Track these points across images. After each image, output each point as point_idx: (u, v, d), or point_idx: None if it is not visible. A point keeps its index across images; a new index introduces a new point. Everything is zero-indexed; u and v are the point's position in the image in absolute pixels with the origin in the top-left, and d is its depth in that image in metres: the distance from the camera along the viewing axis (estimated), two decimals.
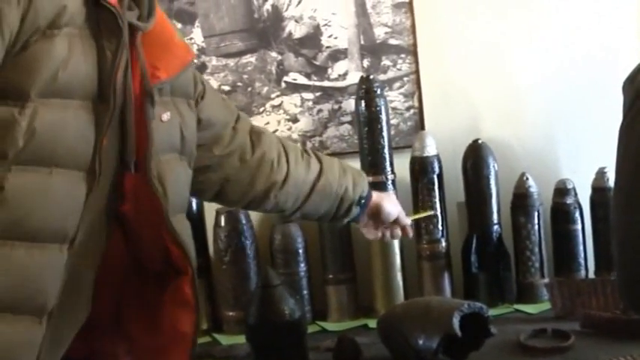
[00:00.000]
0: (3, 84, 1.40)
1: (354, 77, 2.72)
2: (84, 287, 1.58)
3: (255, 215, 2.63)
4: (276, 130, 2.73)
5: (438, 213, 2.63)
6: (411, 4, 2.75)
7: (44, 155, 1.44)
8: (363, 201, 2.16)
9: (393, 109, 2.75)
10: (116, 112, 1.51)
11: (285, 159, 2.04)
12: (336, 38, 2.76)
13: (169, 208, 1.65)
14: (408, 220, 2.29)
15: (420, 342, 2.12)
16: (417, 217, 2.49)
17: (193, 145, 1.78)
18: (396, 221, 2.25)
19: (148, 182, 1.61)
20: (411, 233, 2.32)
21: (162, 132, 1.63)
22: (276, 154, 2.02)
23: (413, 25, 2.76)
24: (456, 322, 2.08)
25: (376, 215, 2.21)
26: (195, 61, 2.59)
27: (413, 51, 2.77)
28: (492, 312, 2.40)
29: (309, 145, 2.75)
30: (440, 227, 2.64)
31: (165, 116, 1.65)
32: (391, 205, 2.23)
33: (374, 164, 2.60)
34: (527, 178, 2.67)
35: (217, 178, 1.97)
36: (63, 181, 1.47)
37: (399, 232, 2.27)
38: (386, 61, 2.77)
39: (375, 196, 2.20)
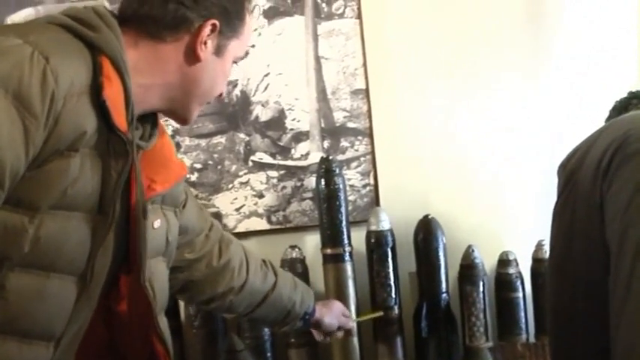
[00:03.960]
0: (18, 194, 1.38)
1: (315, 157, 2.76)
2: None
3: None
4: (243, 205, 2.77)
5: (392, 282, 2.64)
6: (367, 90, 2.81)
7: (45, 260, 1.44)
8: (307, 317, 2.23)
9: (351, 186, 2.79)
10: (114, 223, 1.51)
11: (246, 269, 2.08)
12: (299, 121, 2.80)
13: (157, 309, 1.66)
14: (350, 325, 2.40)
15: None
16: (365, 318, 2.53)
17: (174, 249, 1.81)
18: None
19: (141, 285, 1.61)
20: (352, 335, 2.49)
21: (152, 238, 1.64)
22: (238, 263, 2.06)
23: (369, 110, 2.81)
24: None
25: (319, 326, 2.29)
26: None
27: (369, 133, 2.82)
28: None
29: (273, 218, 2.78)
30: (393, 295, 2.65)
31: (157, 223, 1.66)
32: (332, 319, 2.30)
33: (333, 237, 2.61)
34: (473, 250, 2.70)
35: (183, 278, 1.99)
36: (58, 285, 1.46)
37: (340, 334, 2.38)
38: (344, 143, 2.81)
39: (319, 311, 2.26)
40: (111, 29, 1.50)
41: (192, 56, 1.59)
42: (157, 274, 1.69)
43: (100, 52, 1.46)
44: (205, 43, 1.59)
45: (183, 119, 1.70)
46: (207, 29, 1.59)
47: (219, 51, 1.63)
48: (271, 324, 2.27)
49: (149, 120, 1.65)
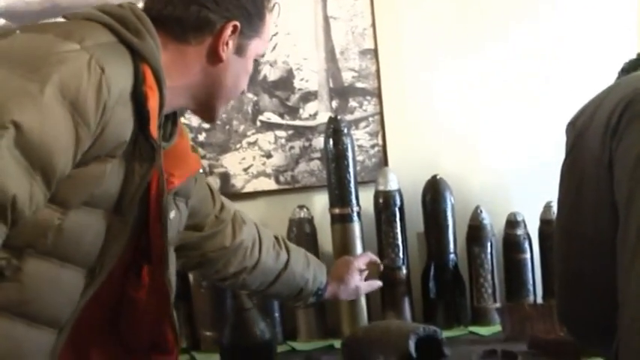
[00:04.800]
0: (55, 191, 1.39)
1: (323, 117, 2.74)
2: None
3: None
4: (251, 166, 2.76)
5: (400, 243, 2.63)
6: (376, 50, 2.78)
7: (62, 251, 1.46)
8: (320, 292, 2.27)
9: (359, 146, 2.77)
10: (131, 222, 1.55)
11: (259, 249, 2.11)
12: (307, 81, 2.77)
13: (173, 297, 1.71)
14: (377, 285, 2.44)
15: None
16: None
17: (179, 236, 1.84)
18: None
19: (163, 276, 1.66)
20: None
21: (169, 229, 1.67)
22: (251, 244, 2.10)
23: (378, 70, 2.79)
24: (411, 344, 2.11)
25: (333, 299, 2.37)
26: None
27: (377, 94, 2.79)
28: (448, 334, 2.47)
29: (281, 178, 2.76)
30: (401, 256, 2.65)
31: (172, 215, 1.69)
32: (348, 294, 2.37)
33: (341, 197, 2.60)
34: (481, 211, 2.69)
35: (196, 255, 2.03)
36: (69, 275, 1.49)
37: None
38: (353, 103, 2.79)
39: (331, 288, 2.30)
40: (151, 36, 1.51)
41: (214, 57, 1.61)
42: (171, 264, 1.72)
43: (142, 59, 1.47)
44: (227, 44, 1.61)
45: (208, 117, 1.74)
46: (228, 30, 1.60)
47: (240, 50, 1.64)
48: (285, 299, 2.35)
49: (169, 117, 1.66)
